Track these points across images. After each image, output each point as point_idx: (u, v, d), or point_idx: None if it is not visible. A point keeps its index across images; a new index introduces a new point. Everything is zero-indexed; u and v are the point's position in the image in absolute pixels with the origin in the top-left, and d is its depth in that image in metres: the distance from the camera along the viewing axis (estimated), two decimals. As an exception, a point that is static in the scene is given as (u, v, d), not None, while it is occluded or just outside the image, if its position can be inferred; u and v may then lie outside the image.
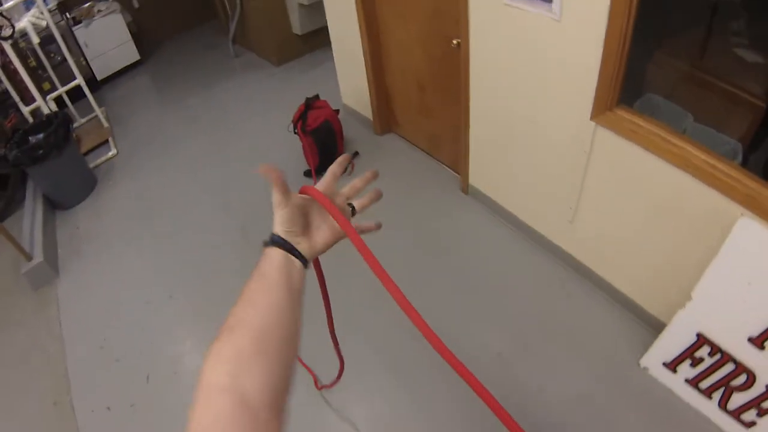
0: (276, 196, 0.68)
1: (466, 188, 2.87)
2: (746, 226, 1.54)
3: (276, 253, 0.65)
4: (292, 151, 3.21)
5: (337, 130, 3.14)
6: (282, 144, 3.35)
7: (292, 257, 0.66)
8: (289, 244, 0.67)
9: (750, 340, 1.62)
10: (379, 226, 0.80)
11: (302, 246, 0.68)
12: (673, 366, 1.91)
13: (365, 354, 2.20)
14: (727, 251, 1.60)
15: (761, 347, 1.60)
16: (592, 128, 1.89)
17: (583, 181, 2.07)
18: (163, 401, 2.15)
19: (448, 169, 3.10)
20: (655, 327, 2.08)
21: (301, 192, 0.72)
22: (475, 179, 2.79)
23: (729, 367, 1.72)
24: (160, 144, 3.73)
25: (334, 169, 0.77)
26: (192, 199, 3.19)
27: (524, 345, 2.18)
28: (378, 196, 0.80)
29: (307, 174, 3.17)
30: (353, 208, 0.77)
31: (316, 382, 2.08)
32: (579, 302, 2.32)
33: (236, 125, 3.82)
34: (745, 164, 1.59)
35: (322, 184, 0.75)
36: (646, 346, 2.01)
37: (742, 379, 1.70)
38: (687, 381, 1.89)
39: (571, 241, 2.36)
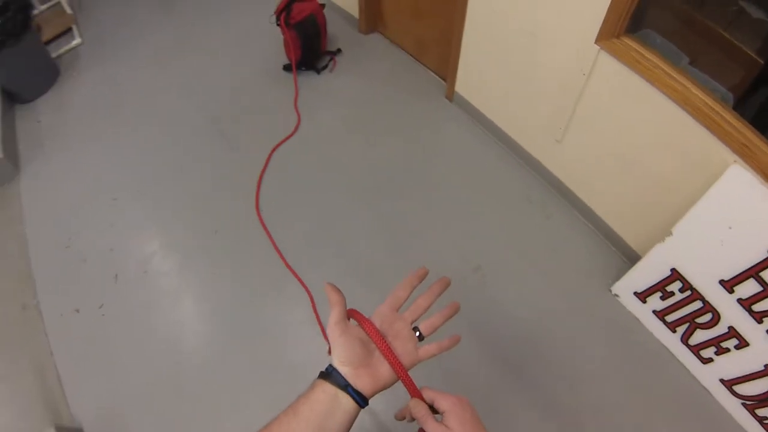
0: (331, 323, 0.60)
1: (451, 95, 2.70)
2: (737, 173, 1.50)
3: (321, 392, 0.57)
4: (273, 44, 2.96)
5: (322, 25, 2.89)
6: (263, 37, 3.09)
7: (343, 395, 0.57)
8: (344, 379, 0.58)
9: (721, 282, 1.61)
10: (454, 343, 0.65)
11: (363, 380, 0.59)
12: (643, 296, 1.92)
13: None
14: (714, 194, 1.56)
15: (730, 291, 1.60)
16: (595, 52, 1.76)
17: (577, 103, 1.95)
18: (132, 302, 2.13)
19: (433, 74, 2.91)
20: (629, 257, 2.05)
21: (348, 316, 0.63)
22: (461, 87, 2.61)
23: (697, 305, 1.73)
24: (130, 33, 3.40)
25: (397, 292, 0.66)
26: (162, 91, 2.97)
27: (502, 261, 2.17)
28: (453, 312, 0.66)
29: (287, 68, 2.96)
30: (420, 333, 0.66)
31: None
32: (558, 224, 2.27)
33: (215, 15, 3.48)
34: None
35: (380, 310, 0.66)
36: (618, 275, 1.99)
37: (707, 317, 1.71)
38: (654, 312, 1.90)
39: (557, 162, 2.25)
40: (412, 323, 0.66)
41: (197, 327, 2.07)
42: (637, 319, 1.97)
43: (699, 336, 1.76)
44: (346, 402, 0.57)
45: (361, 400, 0.58)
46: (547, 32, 1.92)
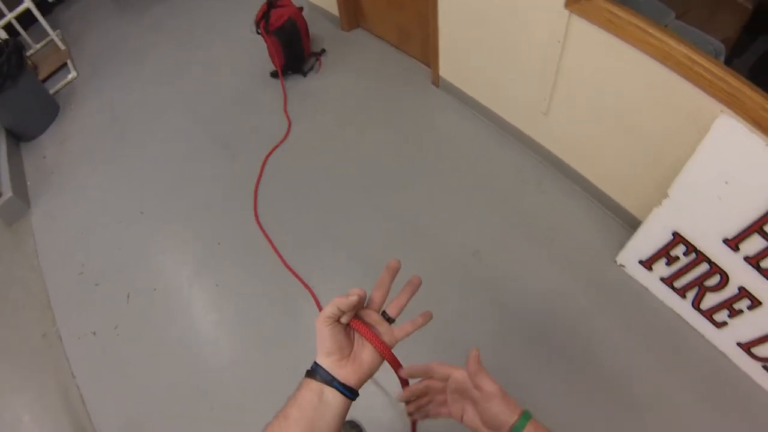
0: (324, 314, 0.59)
1: (437, 81, 2.65)
2: (726, 123, 1.39)
3: (308, 391, 0.58)
4: (260, 53, 2.97)
5: (302, 28, 2.88)
6: (250, 47, 3.09)
7: (329, 391, 0.58)
8: (328, 374, 0.59)
9: (725, 241, 1.53)
10: (426, 319, 0.66)
11: (347, 370, 0.60)
12: (648, 264, 1.83)
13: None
14: (706, 148, 1.47)
15: (735, 249, 1.51)
16: (566, 17, 1.68)
17: (557, 72, 1.87)
18: (145, 319, 2.19)
19: (419, 63, 2.85)
20: (632, 225, 1.96)
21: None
22: (445, 72, 2.55)
23: (704, 267, 1.64)
24: (123, 59, 3.49)
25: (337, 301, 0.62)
26: (158, 112, 3.03)
27: (501, 242, 2.12)
28: (415, 288, 0.67)
29: (274, 75, 2.96)
30: (389, 316, 0.67)
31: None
32: (555, 198, 2.20)
33: (202, 31, 3.52)
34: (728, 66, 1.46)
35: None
36: (622, 244, 1.92)
37: (715, 279, 1.62)
38: (662, 279, 1.82)
39: (547, 134, 2.18)
40: (379, 309, 0.66)
41: (209, 338, 2.11)
42: (646, 288, 1.88)
43: (710, 300, 1.67)
44: (333, 397, 0.58)
45: (349, 393, 0.59)
46: (519, 4, 1.85)
